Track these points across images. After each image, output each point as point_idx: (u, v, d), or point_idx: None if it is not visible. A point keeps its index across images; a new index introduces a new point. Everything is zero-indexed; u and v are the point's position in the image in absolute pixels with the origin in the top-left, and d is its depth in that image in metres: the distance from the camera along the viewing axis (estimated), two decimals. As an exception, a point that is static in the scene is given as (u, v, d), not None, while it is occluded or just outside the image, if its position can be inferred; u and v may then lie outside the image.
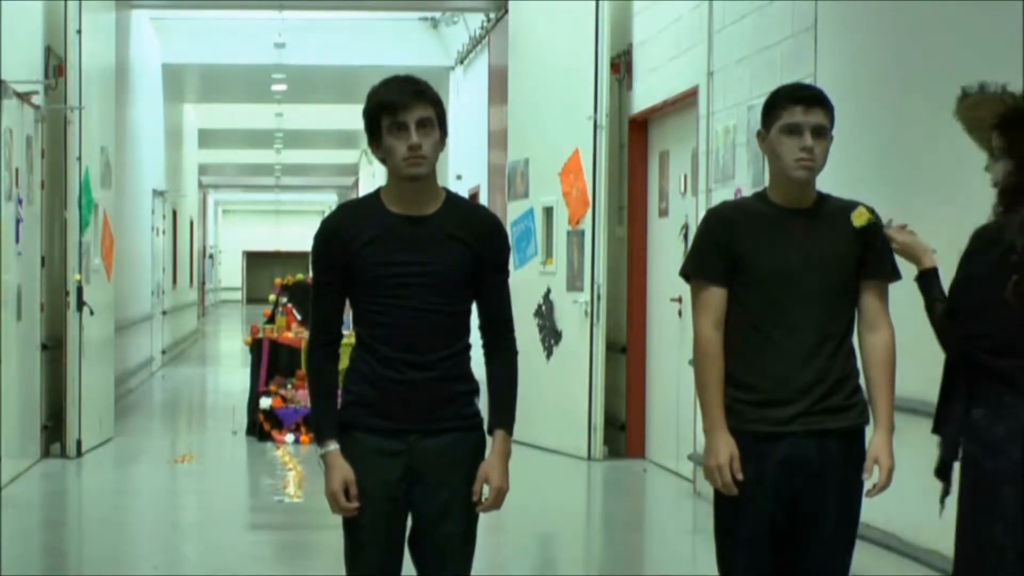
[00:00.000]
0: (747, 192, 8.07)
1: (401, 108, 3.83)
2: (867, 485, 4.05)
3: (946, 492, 4.09)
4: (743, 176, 8.50)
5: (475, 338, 3.96)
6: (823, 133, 3.99)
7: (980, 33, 5.88)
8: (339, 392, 4.00)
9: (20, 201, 9.82)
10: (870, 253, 4.03)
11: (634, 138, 11.19)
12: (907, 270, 4.20)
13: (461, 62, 18.19)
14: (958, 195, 6.01)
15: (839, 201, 4.11)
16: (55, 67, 10.98)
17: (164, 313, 20.64)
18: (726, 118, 8.88)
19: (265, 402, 12.11)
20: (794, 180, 3.99)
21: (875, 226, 4.07)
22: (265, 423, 12.04)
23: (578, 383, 10.92)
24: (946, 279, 4.19)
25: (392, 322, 3.88)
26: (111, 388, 12.36)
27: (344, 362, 3.94)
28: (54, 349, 10.89)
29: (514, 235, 11.96)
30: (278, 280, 13.45)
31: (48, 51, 10.98)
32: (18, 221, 9.79)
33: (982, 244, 4.05)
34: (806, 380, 3.97)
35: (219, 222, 51.82)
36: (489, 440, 3.99)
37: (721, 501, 4.06)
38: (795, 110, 3.99)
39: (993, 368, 3.98)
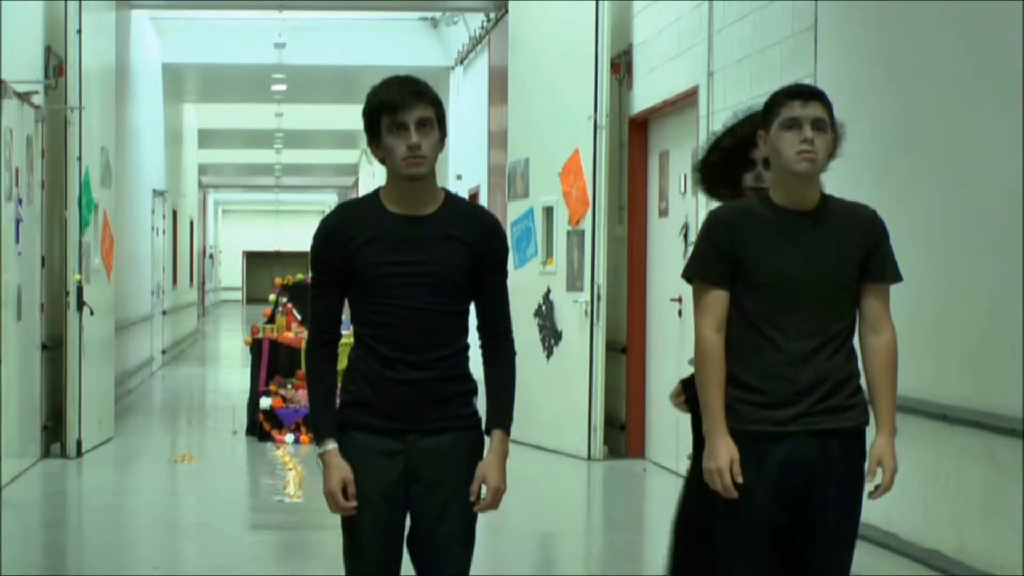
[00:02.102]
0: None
1: (401, 108, 3.83)
2: (868, 487, 4.04)
3: None
4: (743, 176, 8.48)
5: (473, 338, 3.96)
6: (823, 127, 3.98)
7: (980, 33, 5.89)
8: (338, 392, 4.00)
9: (20, 201, 9.82)
10: (872, 256, 4.02)
11: (634, 138, 11.18)
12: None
13: (461, 62, 18.19)
14: (958, 193, 6.01)
15: (842, 203, 4.10)
16: (55, 67, 10.98)
17: (164, 313, 20.65)
18: (726, 118, 8.86)
19: (265, 402, 12.11)
20: (797, 174, 3.97)
21: (878, 230, 4.05)
22: (265, 423, 12.04)
23: (578, 383, 10.91)
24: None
25: (391, 322, 3.87)
26: (111, 388, 12.36)
27: (343, 362, 3.93)
28: (54, 349, 10.89)
29: (514, 235, 11.96)
30: (278, 280, 13.45)
31: (48, 51, 10.98)
32: (18, 221, 9.78)
33: None
34: (807, 381, 3.96)
35: (219, 222, 51.83)
36: (487, 440, 3.98)
37: (721, 501, 4.05)
38: (793, 104, 3.99)
39: None
